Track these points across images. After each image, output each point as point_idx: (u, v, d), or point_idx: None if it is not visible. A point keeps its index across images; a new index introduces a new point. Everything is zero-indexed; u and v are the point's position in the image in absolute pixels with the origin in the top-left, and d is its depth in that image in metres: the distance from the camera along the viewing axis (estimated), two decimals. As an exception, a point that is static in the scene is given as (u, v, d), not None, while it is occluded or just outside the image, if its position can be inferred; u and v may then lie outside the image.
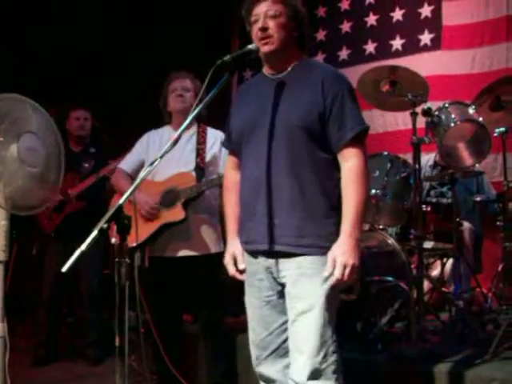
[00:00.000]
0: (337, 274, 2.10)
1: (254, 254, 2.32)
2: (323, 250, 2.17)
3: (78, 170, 4.48)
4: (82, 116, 4.60)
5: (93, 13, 6.08)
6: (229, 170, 2.53)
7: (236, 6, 6.40)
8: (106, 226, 1.74)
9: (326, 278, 2.14)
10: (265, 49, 2.26)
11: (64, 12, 5.99)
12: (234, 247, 2.40)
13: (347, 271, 2.10)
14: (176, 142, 2.00)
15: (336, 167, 2.24)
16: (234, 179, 2.44)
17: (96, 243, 1.73)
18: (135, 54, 6.23)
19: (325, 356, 2.15)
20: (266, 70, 2.38)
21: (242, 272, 2.38)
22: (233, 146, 2.46)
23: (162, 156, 1.94)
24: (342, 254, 2.11)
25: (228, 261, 2.41)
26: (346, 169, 2.20)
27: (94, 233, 1.72)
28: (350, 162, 2.20)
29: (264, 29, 2.25)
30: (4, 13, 5.44)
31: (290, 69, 2.31)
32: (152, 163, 1.95)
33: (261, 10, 2.26)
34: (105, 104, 5.79)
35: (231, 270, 2.40)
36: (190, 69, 3.54)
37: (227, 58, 2.17)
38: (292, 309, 2.22)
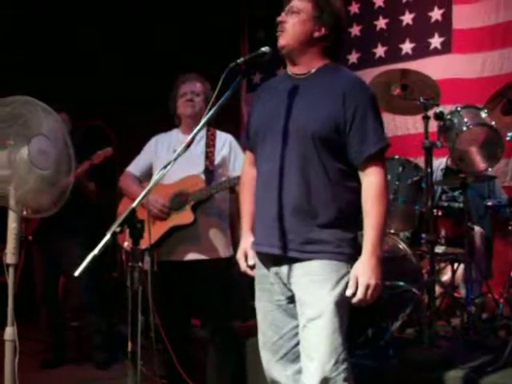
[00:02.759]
0: (359, 295, 2.08)
1: (263, 257, 2.30)
2: (331, 255, 2.15)
3: None
4: None
5: (98, 11, 6.08)
6: (246, 167, 2.51)
7: (245, 11, 6.46)
8: (119, 229, 1.72)
9: (335, 284, 2.13)
10: (279, 42, 2.26)
11: (66, 12, 5.99)
12: (247, 243, 2.40)
13: (370, 292, 2.08)
14: (189, 145, 1.99)
15: (351, 176, 2.21)
16: (251, 175, 2.42)
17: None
18: (144, 55, 6.23)
19: (335, 363, 2.12)
20: (288, 70, 2.35)
21: (252, 268, 2.37)
22: (250, 143, 2.43)
23: (176, 159, 1.93)
24: (364, 274, 2.09)
25: (239, 256, 2.42)
26: (366, 185, 2.18)
27: (107, 237, 1.70)
28: (370, 177, 2.17)
29: (281, 22, 2.25)
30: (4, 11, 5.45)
31: (312, 71, 2.27)
32: (165, 166, 1.93)
33: (288, 5, 2.28)
34: (113, 105, 5.81)
35: (242, 266, 2.41)
36: (199, 72, 3.52)
37: (240, 60, 2.16)
38: (302, 315, 2.20)
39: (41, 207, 2.85)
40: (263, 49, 2.23)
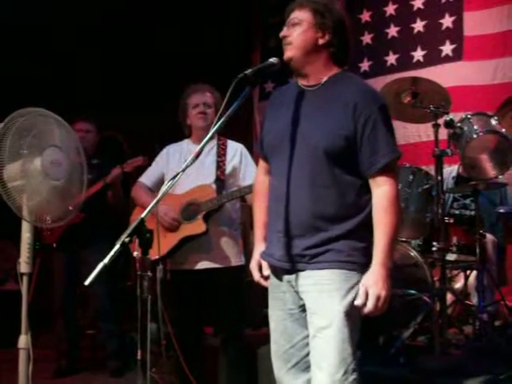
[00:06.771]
0: (370, 306, 2.06)
1: (274, 267, 2.31)
2: (342, 264, 2.14)
3: None
4: (82, 128, 4.52)
5: (107, 25, 6.15)
6: (260, 175, 2.49)
7: (258, 19, 6.49)
8: (128, 239, 1.74)
9: (346, 294, 2.12)
10: (285, 55, 2.24)
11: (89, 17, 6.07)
12: (260, 253, 2.38)
13: (380, 303, 2.06)
14: (198, 156, 2.00)
15: (363, 188, 2.18)
16: (265, 184, 2.40)
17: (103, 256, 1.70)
18: (155, 66, 6.28)
19: (344, 373, 2.10)
20: (298, 81, 2.31)
21: (266, 278, 2.36)
22: (264, 152, 2.40)
23: (184, 170, 1.95)
24: (374, 285, 2.07)
25: (253, 266, 2.40)
26: (377, 196, 2.15)
27: (117, 246, 1.72)
28: (381, 188, 2.14)
29: (284, 37, 2.24)
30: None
31: (322, 83, 2.24)
32: (174, 177, 1.95)
33: (288, 19, 2.26)
34: (125, 116, 5.85)
35: (256, 276, 2.39)
36: (211, 82, 3.53)
37: (249, 71, 2.14)
38: (311, 324, 2.19)
39: (53, 217, 2.88)
40: (271, 60, 2.22)
